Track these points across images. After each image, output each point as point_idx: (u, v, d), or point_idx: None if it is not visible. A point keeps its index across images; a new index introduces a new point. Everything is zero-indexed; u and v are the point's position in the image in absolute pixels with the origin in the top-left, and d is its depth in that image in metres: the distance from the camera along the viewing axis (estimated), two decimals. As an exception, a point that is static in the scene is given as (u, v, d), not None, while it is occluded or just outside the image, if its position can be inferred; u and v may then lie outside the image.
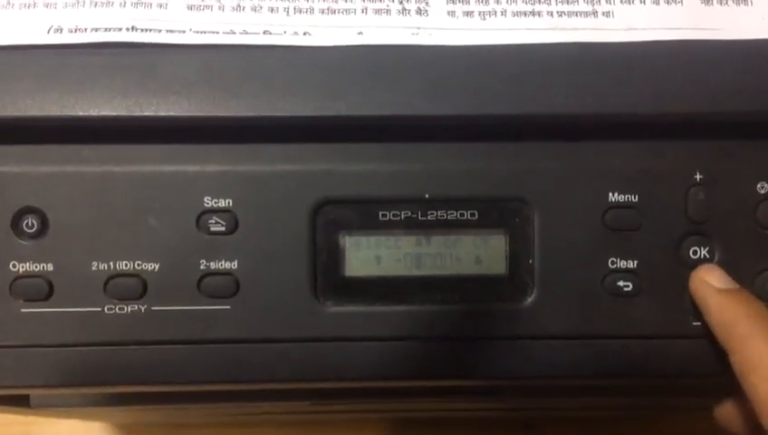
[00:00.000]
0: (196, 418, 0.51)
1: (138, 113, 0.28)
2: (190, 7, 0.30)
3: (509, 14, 0.30)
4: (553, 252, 0.30)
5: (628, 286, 0.30)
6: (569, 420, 0.57)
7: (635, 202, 0.30)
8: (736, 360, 0.27)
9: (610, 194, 0.30)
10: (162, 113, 0.28)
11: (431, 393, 0.35)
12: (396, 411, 0.49)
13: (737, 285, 0.28)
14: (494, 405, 0.42)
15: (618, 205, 0.30)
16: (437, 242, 0.30)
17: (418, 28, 0.30)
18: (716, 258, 0.30)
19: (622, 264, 0.30)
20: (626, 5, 0.31)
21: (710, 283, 0.28)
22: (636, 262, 0.30)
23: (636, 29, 0.30)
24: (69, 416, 0.47)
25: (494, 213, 0.30)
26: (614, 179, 0.30)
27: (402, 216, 0.30)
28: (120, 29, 0.29)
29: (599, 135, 0.30)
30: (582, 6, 0.31)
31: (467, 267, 0.30)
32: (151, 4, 0.30)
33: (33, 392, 0.33)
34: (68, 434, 0.54)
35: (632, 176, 0.30)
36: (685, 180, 0.30)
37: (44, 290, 0.29)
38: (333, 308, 0.30)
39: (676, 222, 0.30)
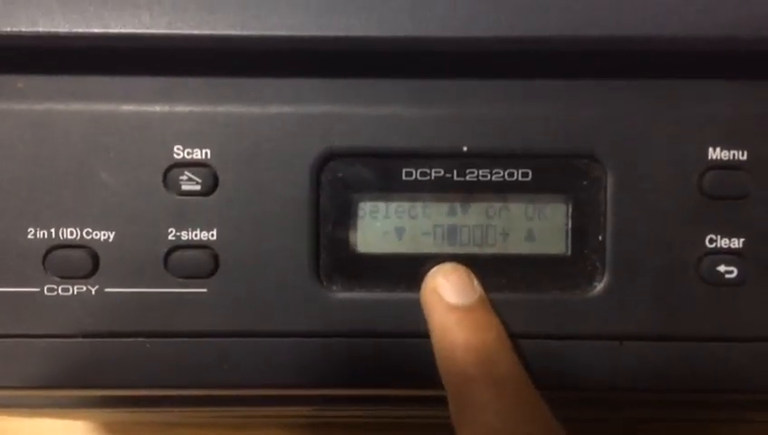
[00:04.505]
0: (187, 418, 0.48)
1: (85, 29, 0.24)
2: None
3: None
4: (631, 226, 0.26)
5: (731, 272, 0.26)
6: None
7: (743, 161, 0.26)
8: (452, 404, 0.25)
9: (711, 150, 0.26)
10: (118, 30, 0.24)
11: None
12: (414, 418, 0.46)
13: (474, 296, 0.25)
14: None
15: (720, 164, 0.26)
16: (477, 210, 0.27)
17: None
18: None
19: (724, 243, 0.26)
20: None
21: (442, 295, 0.25)
22: (742, 240, 0.26)
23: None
24: (35, 415, 0.45)
25: (554, 173, 0.26)
26: (716, 130, 0.26)
27: (432, 175, 0.27)
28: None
29: (697, 69, 0.26)
30: None
31: (516, 245, 0.27)
32: None
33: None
34: (49, 432, 0.53)
35: (740, 125, 0.26)
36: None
37: (-35, 264, 0.26)
38: (341, 294, 0.27)
39: (798, 188, 0.27)
